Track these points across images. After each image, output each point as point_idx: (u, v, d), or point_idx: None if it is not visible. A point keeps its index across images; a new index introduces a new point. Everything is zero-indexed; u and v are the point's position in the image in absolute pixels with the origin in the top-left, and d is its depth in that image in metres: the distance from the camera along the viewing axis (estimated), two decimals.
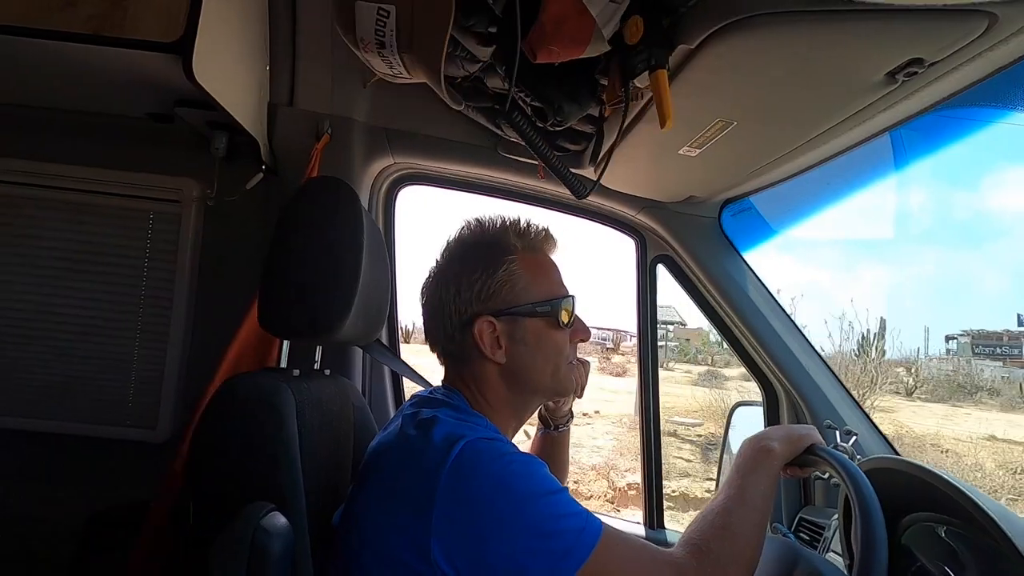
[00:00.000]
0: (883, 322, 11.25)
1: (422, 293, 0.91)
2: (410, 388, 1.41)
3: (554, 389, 0.88)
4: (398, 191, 1.52)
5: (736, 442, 1.62)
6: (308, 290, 0.83)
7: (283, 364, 0.89)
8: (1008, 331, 14.29)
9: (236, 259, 1.40)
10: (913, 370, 11.88)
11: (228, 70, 1.11)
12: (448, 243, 0.91)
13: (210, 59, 1.01)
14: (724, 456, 1.70)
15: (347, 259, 0.85)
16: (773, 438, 0.84)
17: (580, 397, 1.07)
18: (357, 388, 1.27)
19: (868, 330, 10.70)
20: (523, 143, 1.29)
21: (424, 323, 0.91)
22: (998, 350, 14.09)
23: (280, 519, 0.62)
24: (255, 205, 1.36)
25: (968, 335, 14.27)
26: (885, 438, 1.39)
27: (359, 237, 0.86)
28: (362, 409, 1.10)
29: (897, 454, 1.34)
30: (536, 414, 1.10)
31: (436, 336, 0.89)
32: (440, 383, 0.92)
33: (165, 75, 1.05)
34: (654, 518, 1.54)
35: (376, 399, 1.45)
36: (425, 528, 0.66)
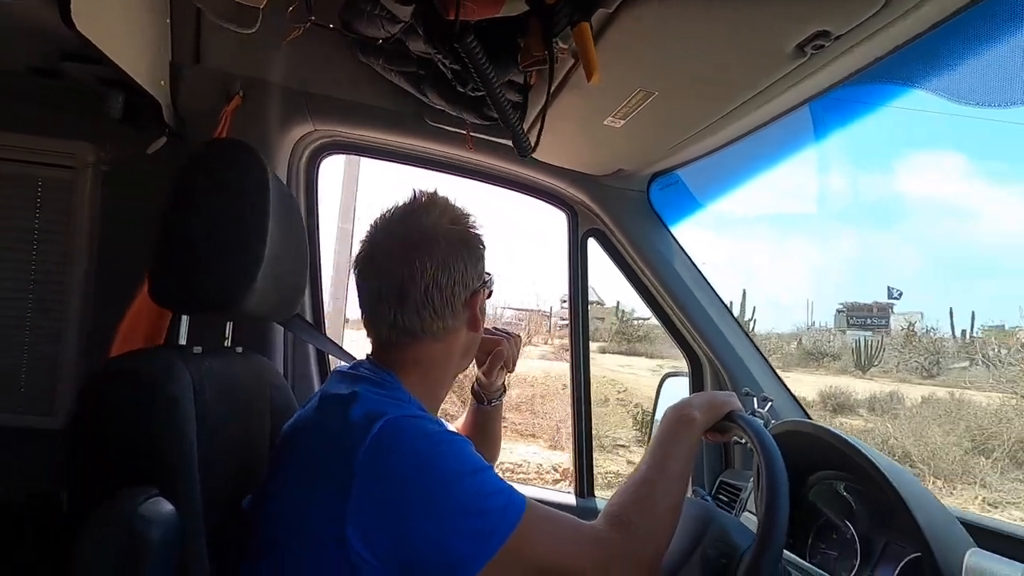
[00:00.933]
0: (744, 293, 12.39)
1: (374, 272, 0.82)
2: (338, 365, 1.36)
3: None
4: (320, 160, 1.45)
5: (663, 411, 1.67)
6: (206, 259, 0.78)
7: (182, 341, 0.83)
8: (877, 303, 15.17)
9: (139, 229, 1.29)
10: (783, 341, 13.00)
11: (117, 19, 1.01)
12: (424, 224, 0.82)
13: (94, 5, 0.91)
14: (654, 424, 1.75)
15: (251, 226, 0.80)
16: (695, 406, 0.86)
17: (511, 371, 1.08)
18: (276, 367, 1.21)
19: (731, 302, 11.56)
20: (450, 111, 1.26)
21: (372, 302, 0.82)
22: (868, 321, 14.89)
23: (164, 505, 0.58)
24: (159, 171, 1.26)
25: (844, 308, 15.10)
26: (799, 403, 1.47)
27: (264, 202, 0.80)
28: (281, 388, 1.05)
29: (809, 418, 1.42)
30: (469, 389, 1.11)
31: (395, 315, 0.81)
32: (366, 358, 0.88)
33: (43, 23, 0.94)
34: (584, 487, 1.57)
35: (299, 379, 1.39)
36: (341, 508, 0.64)
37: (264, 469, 0.83)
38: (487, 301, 0.92)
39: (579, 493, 1.58)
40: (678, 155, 1.29)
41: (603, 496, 1.59)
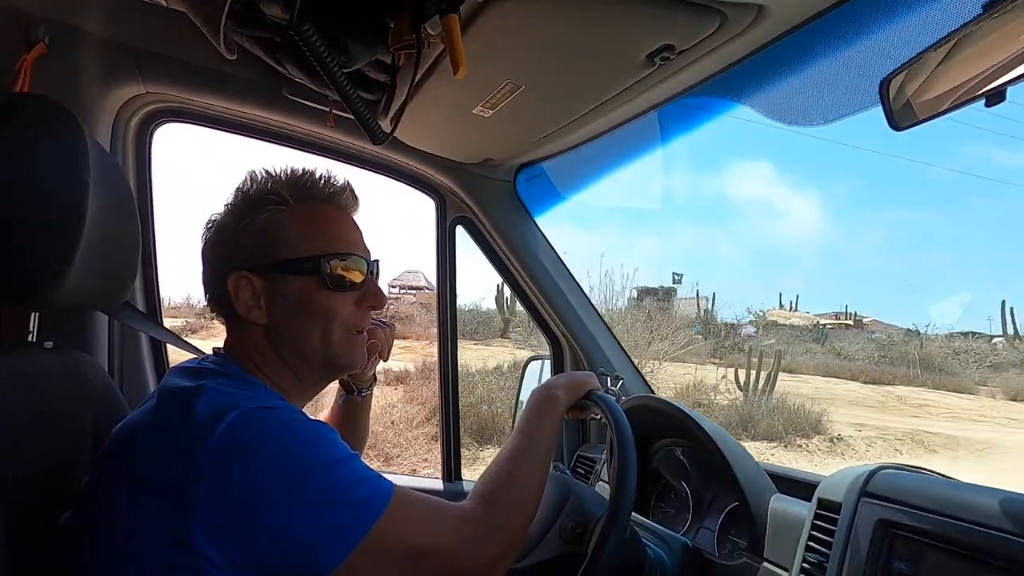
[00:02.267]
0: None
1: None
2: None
3: (328, 360, 0.79)
4: (154, 128, 1.27)
5: (528, 393, 1.75)
6: (6, 239, 0.65)
7: None
8: (662, 286, 17.26)
9: None
10: None
11: None
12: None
13: None
14: (518, 406, 1.83)
15: (65, 200, 0.68)
16: (558, 386, 0.90)
17: (385, 360, 1.03)
18: (99, 363, 1.05)
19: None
20: (311, 85, 1.18)
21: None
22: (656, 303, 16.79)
23: None
24: None
25: (637, 291, 16.71)
26: (645, 380, 1.63)
27: (82, 172, 0.69)
28: (105, 388, 0.92)
29: (653, 393, 1.59)
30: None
31: (207, 295, 0.81)
32: (212, 351, 0.81)
33: None
34: (451, 471, 1.60)
35: (130, 377, 1.22)
36: (185, 514, 0.58)
37: (85, 480, 0.72)
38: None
39: (446, 477, 1.60)
40: (543, 148, 1.34)
41: (470, 479, 1.63)
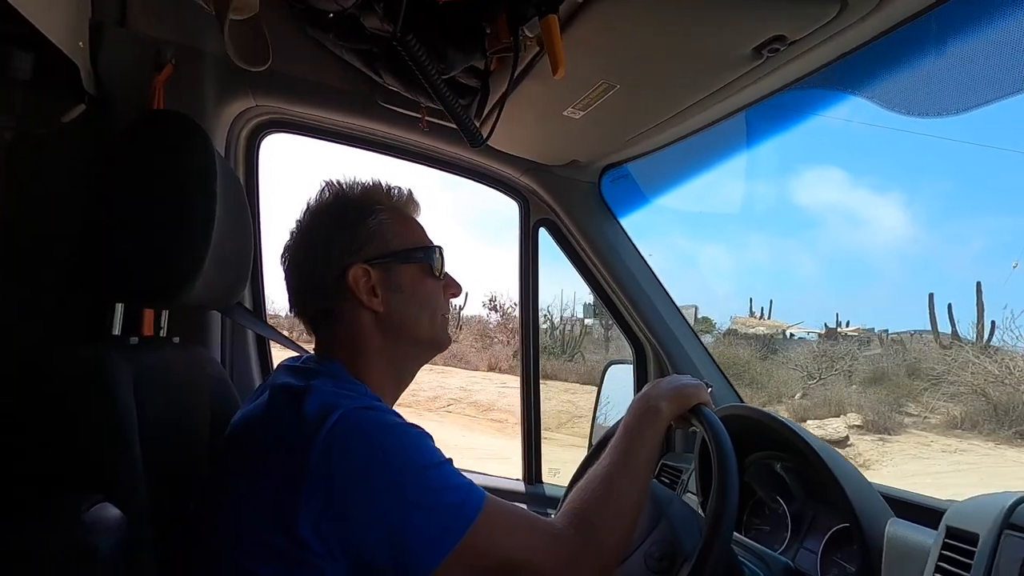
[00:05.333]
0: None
1: (283, 257, 0.85)
2: (278, 359, 1.29)
3: (432, 339, 0.86)
4: (261, 138, 1.36)
5: (607, 398, 1.72)
6: (148, 245, 0.71)
7: (116, 331, 0.76)
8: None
9: (50, 206, 1.16)
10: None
11: None
12: (309, 204, 0.86)
13: None
14: (597, 412, 1.79)
15: (197, 208, 0.74)
16: (662, 396, 0.85)
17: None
18: (215, 358, 1.14)
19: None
20: (405, 92, 1.21)
21: (289, 288, 0.85)
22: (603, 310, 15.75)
23: (111, 511, 0.53)
24: (74, 142, 1.13)
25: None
26: (734, 389, 1.55)
27: (211, 183, 0.74)
28: (221, 382, 0.99)
29: (742, 402, 1.51)
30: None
31: (305, 299, 0.84)
32: (312, 352, 0.86)
33: None
34: (532, 474, 1.60)
35: (239, 369, 1.31)
36: (292, 501, 0.62)
37: (205, 470, 0.78)
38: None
39: (527, 480, 1.61)
40: (631, 149, 1.31)
41: (550, 483, 1.63)
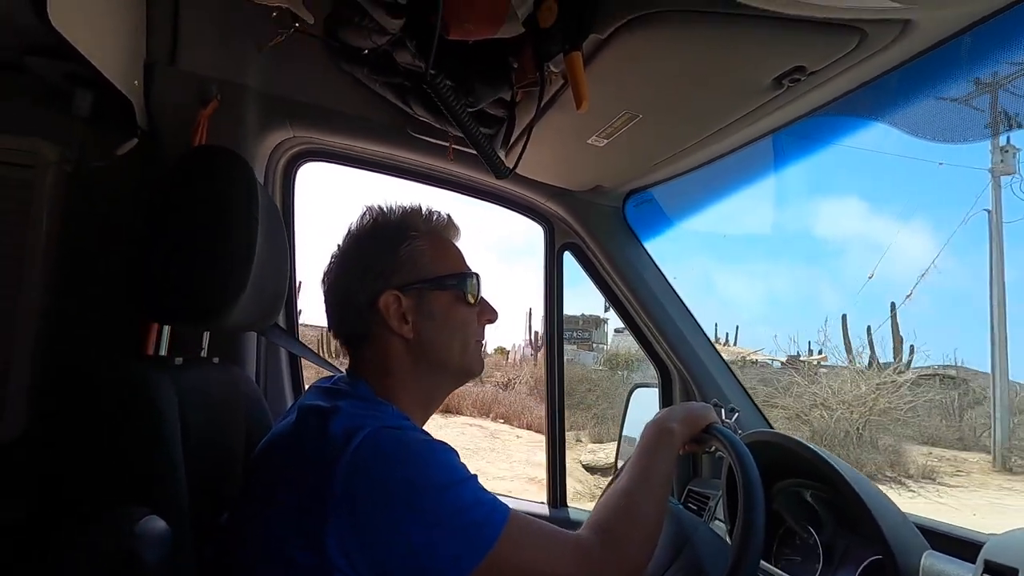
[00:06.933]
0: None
1: (324, 281, 0.88)
2: (308, 378, 1.33)
3: (463, 366, 0.87)
4: (297, 167, 1.42)
5: (632, 421, 1.71)
6: (194, 270, 0.76)
7: (163, 352, 0.80)
8: (584, 315, 15.35)
9: (103, 233, 1.23)
10: None
11: (92, 15, 0.97)
12: (350, 229, 0.88)
13: (71, 1, 0.87)
14: (622, 435, 1.78)
15: (239, 236, 0.78)
16: (675, 419, 0.88)
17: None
18: (250, 377, 1.18)
19: None
20: (434, 123, 1.27)
21: (327, 309, 0.87)
22: (575, 334, 15.18)
23: (159, 524, 0.56)
24: (128, 174, 1.21)
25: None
26: (761, 413, 1.53)
27: (253, 212, 0.79)
28: (256, 401, 1.03)
29: (771, 428, 1.49)
30: None
31: (341, 321, 0.86)
32: (345, 372, 0.88)
33: (11, 15, 0.90)
34: (557, 497, 1.59)
35: (272, 389, 1.35)
36: (319, 521, 0.63)
37: (239, 486, 0.81)
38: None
39: (551, 503, 1.60)
40: (655, 174, 1.33)
41: (575, 507, 1.62)
